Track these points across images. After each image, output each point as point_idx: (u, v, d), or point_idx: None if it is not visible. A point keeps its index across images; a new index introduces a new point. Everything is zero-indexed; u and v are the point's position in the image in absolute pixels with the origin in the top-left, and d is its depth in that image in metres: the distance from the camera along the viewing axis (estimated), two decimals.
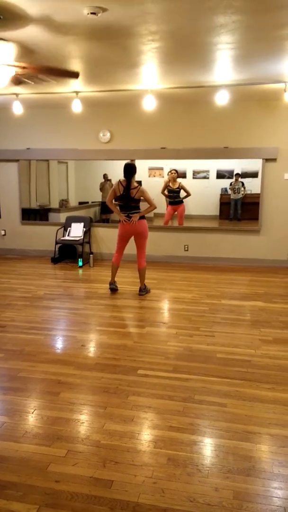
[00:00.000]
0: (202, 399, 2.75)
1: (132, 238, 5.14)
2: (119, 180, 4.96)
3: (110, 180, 10.43)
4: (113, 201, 5.10)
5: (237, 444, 2.29)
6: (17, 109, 5.87)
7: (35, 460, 2.16)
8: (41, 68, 3.66)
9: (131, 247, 5.41)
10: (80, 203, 11.05)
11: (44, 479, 2.03)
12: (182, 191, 7.81)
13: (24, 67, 3.38)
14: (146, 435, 2.37)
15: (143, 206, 5.02)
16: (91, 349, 3.57)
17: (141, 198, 4.94)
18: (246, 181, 11.08)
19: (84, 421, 2.51)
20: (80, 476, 2.05)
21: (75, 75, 3.83)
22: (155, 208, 5.05)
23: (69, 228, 7.22)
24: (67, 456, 2.19)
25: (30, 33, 3.52)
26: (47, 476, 2.05)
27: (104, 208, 4.85)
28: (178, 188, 7.78)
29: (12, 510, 1.84)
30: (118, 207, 5.06)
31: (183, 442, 2.31)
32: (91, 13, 3.04)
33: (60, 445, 2.28)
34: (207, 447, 2.27)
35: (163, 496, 1.92)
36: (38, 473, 2.07)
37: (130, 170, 4.91)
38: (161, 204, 8.10)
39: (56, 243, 7.08)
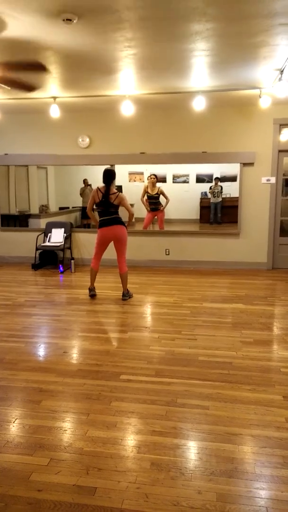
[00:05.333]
0: (184, 403, 2.76)
1: (112, 243, 5.14)
2: (98, 187, 4.96)
3: (90, 185, 10.41)
4: (93, 207, 5.11)
5: (219, 446, 2.31)
6: None
7: (17, 470, 2.13)
8: (8, 64, 3.61)
9: (112, 252, 5.41)
10: (61, 208, 10.99)
11: (27, 488, 2.01)
12: (161, 196, 7.86)
13: None
14: (129, 441, 2.37)
15: (121, 211, 5.03)
16: (73, 356, 3.55)
17: (120, 204, 4.95)
18: (225, 185, 11.23)
19: (66, 428, 2.49)
20: (63, 484, 2.03)
21: (42, 67, 3.84)
22: (133, 215, 5.08)
23: (49, 234, 7.17)
24: (49, 465, 2.17)
25: (6, 38, 3.50)
26: (29, 485, 2.03)
27: (85, 213, 4.90)
28: (157, 193, 7.81)
29: None
30: (97, 213, 5.06)
31: (166, 446, 2.31)
32: (67, 20, 3.05)
33: (42, 454, 2.26)
34: (190, 450, 2.28)
35: (147, 501, 1.92)
36: (20, 483, 2.04)
37: (109, 175, 4.91)
38: (141, 208, 8.14)
39: (37, 249, 7.02)
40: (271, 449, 2.28)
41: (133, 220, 5.34)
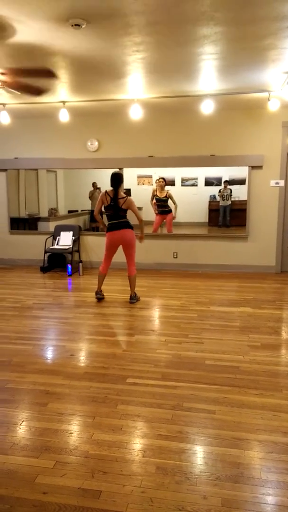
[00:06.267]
0: (190, 407, 2.75)
1: (120, 247, 5.15)
2: (106, 191, 4.98)
3: (99, 189, 10.45)
4: (101, 210, 5.12)
5: (225, 451, 2.29)
6: (4, 119, 5.88)
7: (22, 472, 2.14)
8: (18, 71, 3.66)
9: (120, 256, 5.42)
10: (70, 211, 11.04)
11: (32, 491, 2.01)
12: (170, 200, 7.88)
13: (2, 73, 3.40)
14: (134, 444, 2.36)
15: (129, 216, 5.03)
16: (80, 359, 3.56)
17: (128, 208, 4.96)
18: (234, 188, 11.18)
19: (72, 431, 2.49)
20: (68, 487, 2.03)
21: (51, 74, 3.87)
22: (142, 220, 5.08)
23: (58, 237, 7.21)
24: (55, 468, 2.17)
25: (15, 43, 3.55)
26: (34, 488, 2.03)
27: (94, 216, 4.91)
28: (165, 197, 7.84)
29: None
30: (106, 216, 5.08)
31: (172, 450, 2.30)
32: (75, 25, 3.08)
33: (48, 457, 2.26)
34: (196, 455, 2.27)
35: (152, 505, 1.91)
36: (26, 485, 2.05)
37: (117, 179, 4.93)
38: (150, 211, 8.15)
39: (45, 252, 7.06)
40: (278, 454, 2.26)
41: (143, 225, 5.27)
